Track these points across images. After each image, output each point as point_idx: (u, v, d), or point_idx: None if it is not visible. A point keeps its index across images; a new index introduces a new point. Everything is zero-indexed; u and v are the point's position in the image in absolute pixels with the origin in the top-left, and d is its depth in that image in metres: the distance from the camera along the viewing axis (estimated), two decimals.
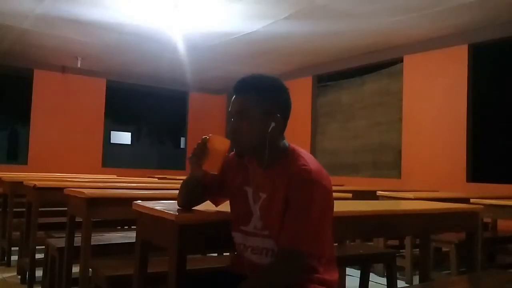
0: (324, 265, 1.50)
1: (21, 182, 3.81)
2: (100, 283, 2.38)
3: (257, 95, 1.51)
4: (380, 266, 4.20)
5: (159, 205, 1.80)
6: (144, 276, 1.87)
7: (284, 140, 1.58)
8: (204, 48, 6.96)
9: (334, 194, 3.68)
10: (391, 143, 6.83)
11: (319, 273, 1.48)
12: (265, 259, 1.51)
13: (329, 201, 1.48)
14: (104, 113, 9.17)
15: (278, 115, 1.53)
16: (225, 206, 1.71)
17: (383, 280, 3.74)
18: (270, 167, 1.52)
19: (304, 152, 1.54)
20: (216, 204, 1.74)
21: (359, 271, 3.25)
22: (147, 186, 3.83)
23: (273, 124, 1.51)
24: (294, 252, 1.37)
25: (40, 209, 3.61)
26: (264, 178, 1.53)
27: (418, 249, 3.46)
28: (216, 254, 3.11)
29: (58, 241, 3.08)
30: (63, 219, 3.52)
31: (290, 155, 1.52)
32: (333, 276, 1.55)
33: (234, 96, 1.56)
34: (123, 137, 9.91)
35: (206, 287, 1.62)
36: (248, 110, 1.51)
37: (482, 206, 2.74)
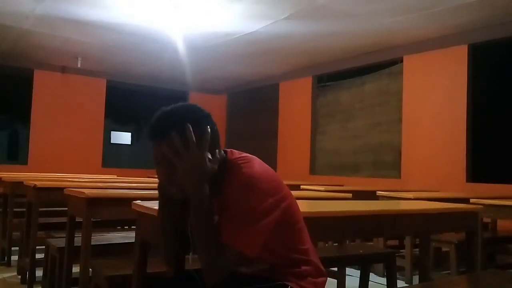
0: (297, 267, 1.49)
1: (21, 182, 3.81)
2: (100, 283, 2.38)
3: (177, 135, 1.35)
4: (380, 266, 4.20)
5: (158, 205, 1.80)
6: (143, 276, 1.87)
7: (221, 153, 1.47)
8: (204, 48, 6.96)
9: (334, 194, 3.66)
10: (391, 143, 6.83)
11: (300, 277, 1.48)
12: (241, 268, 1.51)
13: (269, 202, 1.39)
14: (104, 113, 9.17)
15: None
16: None
17: (383, 280, 3.75)
18: (219, 193, 1.43)
19: (242, 158, 1.46)
20: None
21: (359, 271, 3.26)
22: (147, 186, 3.83)
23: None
24: (224, 246, 1.32)
25: (40, 209, 3.62)
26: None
27: (418, 249, 3.47)
28: None
29: (58, 241, 3.08)
30: (63, 219, 3.53)
31: (229, 168, 1.44)
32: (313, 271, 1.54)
33: (152, 144, 1.40)
34: (123, 137, 9.91)
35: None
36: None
37: (481, 206, 2.74)
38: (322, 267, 1.55)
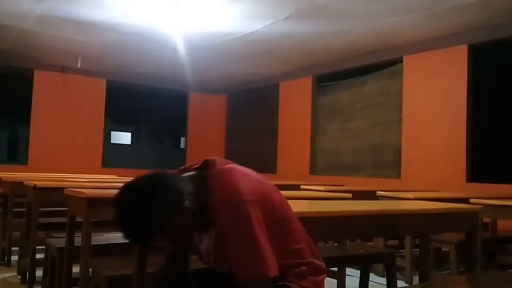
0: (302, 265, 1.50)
1: (21, 182, 3.81)
2: (100, 283, 2.39)
3: (145, 222, 1.33)
4: (380, 266, 4.20)
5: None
6: (143, 276, 1.87)
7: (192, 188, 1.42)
8: (204, 48, 6.96)
9: (334, 194, 3.65)
10: (391, 143, 6.83)
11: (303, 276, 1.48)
12: None
13: (258, 211, 1.37)
14: (104, 113, 9.17)
15: (185, 201, 1.37)
16: None
17: (383, 280, 3.75)
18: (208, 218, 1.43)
19: (221, 173, 1.44)
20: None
21: (359, 271, 3.25)
22: None
23: (186, 204, 1.36)
24: (250, 283, 1.34)
25: (40, 209, 3.62)
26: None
27: (418, 249, 3.47)
28: None
29: (58, 241, 3.08)
30: (63, 219, 3.53)
31: (210, 188, 1.41)
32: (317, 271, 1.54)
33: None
34: (123, 137, 9.92)
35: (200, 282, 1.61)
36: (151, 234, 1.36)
37: (481, 206, 2.74)
38: (320, 263, 1.55)
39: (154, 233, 1.35)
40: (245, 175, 1.45)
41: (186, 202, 1.35)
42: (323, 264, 1.56)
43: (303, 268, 1.49)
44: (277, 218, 1.44)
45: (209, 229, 1.45)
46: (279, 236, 1.44)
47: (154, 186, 1.34)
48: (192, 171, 1.50)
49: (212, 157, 1.50)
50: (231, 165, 1.49)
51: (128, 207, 1.35)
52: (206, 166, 1.48)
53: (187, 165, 1.58)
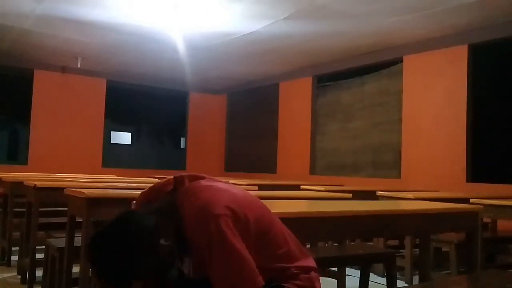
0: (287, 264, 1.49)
1: (21, 182, 3.82)
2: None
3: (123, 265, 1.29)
4: (380, 266, 4.20)
5: None
6: None
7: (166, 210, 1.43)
8: (204, 48, 6.96)
9: (334, 194, 3.65)
10: (391, 143, 6.83)
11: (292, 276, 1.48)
12: None
13: (230, 223, 1.36)
14: (104, 113, 9.17)
15: (161, 239, 1.35)
16: None
17: (383, 280, 3.75)
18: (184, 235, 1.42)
19: (191, 190, 1.45)
20: None
21: (359, 271, 3.25)
22: (147, 186, 3.82)
23: (162, 242, 1.35)
24: None
25: (40, 209, 3.62)
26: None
27: (418, 249, 3.47)
28: None
29: (58, 241, 3.09)
30: (63, 219, 3.53)
31: (181, 211, 1.41)
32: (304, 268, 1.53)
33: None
34: (123, 137, 9.91)
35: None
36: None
37: (481, 206, 2.74)
38: (311, 261, 1.55)
39: (137, 279, 1.32)
40: (212, 190, 1.45)
41: (162, 240, 1.34)
42: (313, 262, 1.56)
43: (293, 269, 1.49)
44: (252, 230, 1.42)
45: (188, 250, 1.44)
46: (258, 245, 1.43)
47: (127, 235, 1.31)
48: (165, 195, 1.51)
49: (180, 175, 1.51)
50: (199, 181, 1.50)
51: (103, 263, 1.32)
52: (176, 186, 1.49)
53: (160, 185, 1.56)
